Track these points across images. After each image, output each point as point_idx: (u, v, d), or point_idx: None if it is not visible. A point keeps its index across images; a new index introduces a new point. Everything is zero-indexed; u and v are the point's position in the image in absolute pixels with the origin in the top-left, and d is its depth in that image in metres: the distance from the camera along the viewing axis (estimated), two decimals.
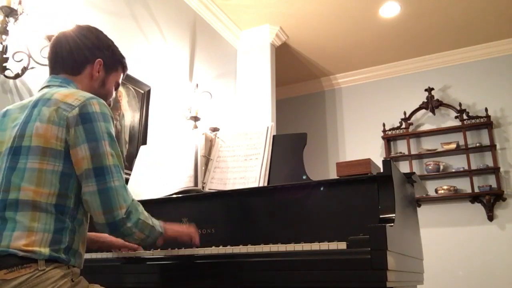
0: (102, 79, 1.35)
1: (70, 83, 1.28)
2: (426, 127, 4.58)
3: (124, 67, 1.44)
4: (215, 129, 2.01)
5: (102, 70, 1.34)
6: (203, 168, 1.82)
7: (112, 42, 1.41)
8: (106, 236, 1.44)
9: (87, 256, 1.49)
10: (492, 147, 4.14)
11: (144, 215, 1.20)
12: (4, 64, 2.01)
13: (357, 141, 4.85)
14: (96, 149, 1.12)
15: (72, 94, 1.18)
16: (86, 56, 1.31)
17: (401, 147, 4.58)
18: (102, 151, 1.13)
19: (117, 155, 1.17)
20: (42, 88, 1.28)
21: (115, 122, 2.63)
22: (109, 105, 1.32)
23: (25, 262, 1.00)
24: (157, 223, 1.25)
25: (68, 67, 1.30)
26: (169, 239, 1.32)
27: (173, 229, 1.35)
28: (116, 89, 1.44)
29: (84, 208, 1.15)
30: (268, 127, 1.85)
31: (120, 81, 1.44)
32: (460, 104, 4.38)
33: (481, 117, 4.24)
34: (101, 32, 1.40)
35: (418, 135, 4.53)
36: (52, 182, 1.09)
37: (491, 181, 4.13)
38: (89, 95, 1.19)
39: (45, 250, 1.03)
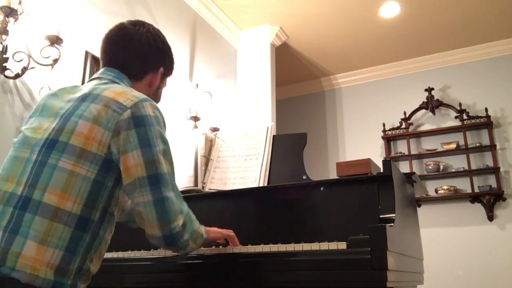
0: (158, 87, 1.29)
1: (123, 79, 1.19)
2: (426, 127, 4.57)
3: (172, 72, 1.36)
4: (215, 129, 2.02)
5: (159, 78, 1.28)
6: (203, 168, 1.82)
7: (170, 46, 1.32)
8: None
9: None
10: (492, 147, 4.13)
11: (197, 224, 1.11)
12: (4, 64, 2.01)
13: (357, 141, 4.85)
14: (150, 156, 1.03)
15: (124, 93, 1.09)
16: (154, 64, 1.23)
17: (401, 147, 4.58)
18: (156, 158, 1.03)
19: (170, 162, 1.09)
20: (92, 79, 1.18)
21: None
22: None
23: None
24: (203, 230, 1.16)
25: (132, 71, 1.21)
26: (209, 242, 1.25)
27: (215, 231, 1.27)
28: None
29: (108, 224, 1.06)
30: (268, 127, 1.85)
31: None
32: (460, 104, 4.38)
33: (481, 117, 4.24)
34: (163, 35, 1.30)
35: (418, 135, 4.53)
36: (80, 189, 0.99)
37: (491, 181, 4.13)
38: (142, 96, 1.11)
39: (50, 277, 0.93)
